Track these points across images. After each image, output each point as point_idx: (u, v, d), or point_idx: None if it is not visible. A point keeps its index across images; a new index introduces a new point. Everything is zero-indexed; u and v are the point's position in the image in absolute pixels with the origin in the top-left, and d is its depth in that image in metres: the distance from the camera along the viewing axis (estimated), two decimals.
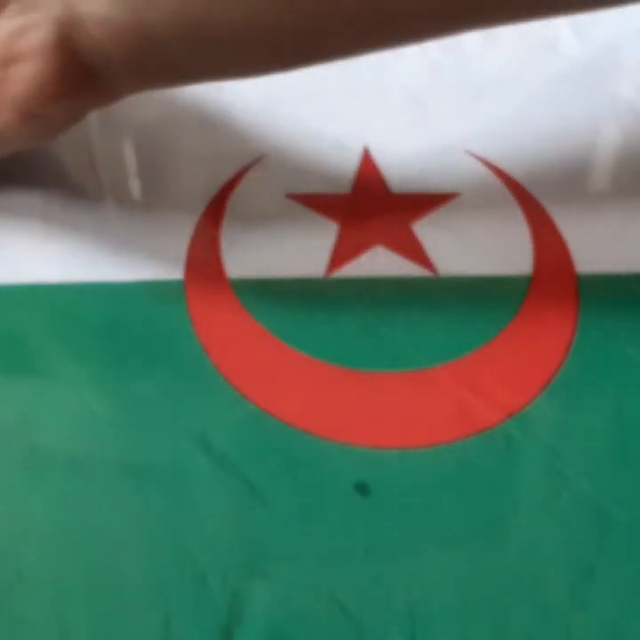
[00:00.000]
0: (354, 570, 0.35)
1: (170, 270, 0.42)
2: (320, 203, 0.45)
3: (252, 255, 0.43)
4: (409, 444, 0.38)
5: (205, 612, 0.34)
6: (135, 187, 0.45)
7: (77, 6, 0.34)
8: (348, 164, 0.47)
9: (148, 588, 0.34)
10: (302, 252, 0.43)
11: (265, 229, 0.44)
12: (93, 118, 0.46)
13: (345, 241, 0.44)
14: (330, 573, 0.35)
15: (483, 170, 0.47)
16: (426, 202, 0.45)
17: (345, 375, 0.40)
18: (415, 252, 0.43)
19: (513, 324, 0.41)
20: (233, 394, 0.39)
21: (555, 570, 0.36)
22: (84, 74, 0.35)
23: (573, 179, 0.47)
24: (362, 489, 0.37)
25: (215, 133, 0.47)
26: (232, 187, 0.45)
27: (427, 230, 0.44)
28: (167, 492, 0.36)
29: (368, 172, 0.46)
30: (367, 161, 0.47)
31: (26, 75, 0.35)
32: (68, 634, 0.33)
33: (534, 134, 0.49)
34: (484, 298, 0.42)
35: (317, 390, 0.39)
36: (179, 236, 0.43)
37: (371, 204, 0.45)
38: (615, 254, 0.43)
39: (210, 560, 0.35)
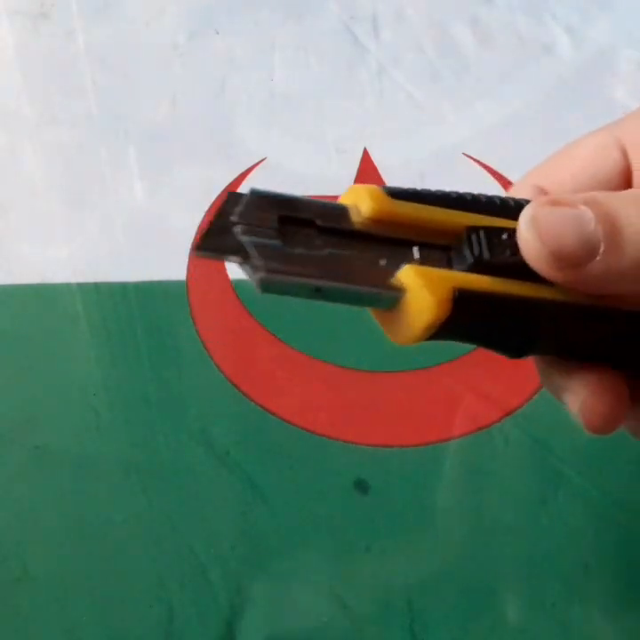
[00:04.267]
0: (353, 565, 0.36)
1: (172, 271, 0.42)
2: None
3: None
4: (408, 442, 0.39)
5: (207, 606, 0.34)
6: (138, 189, 0.45)
7: None
8: (348, 166, 0.47)
9: (152, 583, 0.35)
10: None
11: None
12: (96, 122, 0.47)
13: None
14: (330, 569, 0.36)
15: (480, 172, 0.47)
16: None
17: (345, 375, 0.40)
18: None
19: None
20: (235, 392, 0.39)
21: (551, 565, 0.36)
22: None
23: None
24: (361, 486, 0.38)
25: (217, 137, 0.47)
26: (233, 189, 0.45)
27: None
28: (170, 489, 0.37)
29: (367, 174, 0.47)
30: (367, 163, 0.47)
31: None
32: (73, 628, 0.33)
33: (531, 137, 0.49)
34: None
35: (317, 389, 0.40)
36: (181, 237, 0.44)
37: None
38: None
39: (212, 555, 0.35)
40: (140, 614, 0.34)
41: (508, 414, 0.39)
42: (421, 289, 0.23)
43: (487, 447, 0.39)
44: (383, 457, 0.38)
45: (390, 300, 0.24)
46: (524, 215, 0.24)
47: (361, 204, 0.24)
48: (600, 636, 0.35)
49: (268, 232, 0.23)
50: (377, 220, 0.24)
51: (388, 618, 0.35)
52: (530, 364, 0.41)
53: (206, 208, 0.45)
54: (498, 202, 0.27)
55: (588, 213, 0.24)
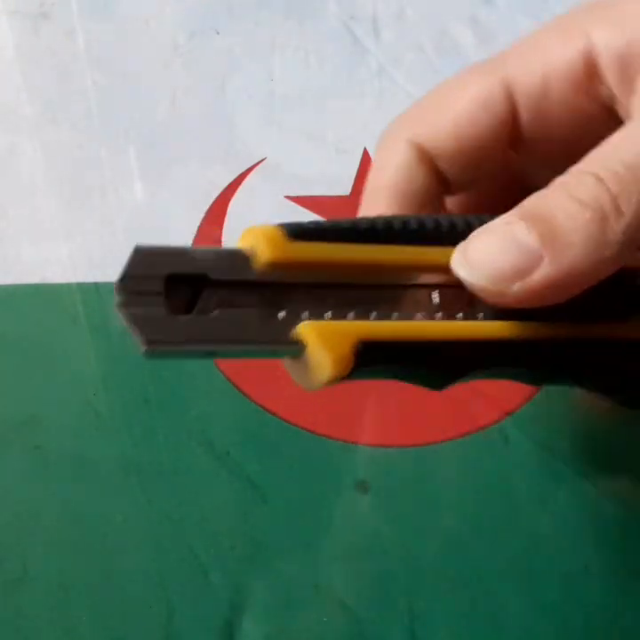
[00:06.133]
0: (354, 566, 0.36)
1: None
2: (320, 205, 0.45)
3: None
4: (408, 442, 0.39)
5: (207, 606, 0.34)
6: (138, 189, 0.45)
7: None
8: (348, 166, 0.47)
9: (152, 583, 0.35)
10: None
11: None
12: (96, 122, 0.47)
13: None
14: (330, 569, 0.36)
15: None
16: None
17: None
18: None
19: None
20: (235, 392, 0.39)
21: (551, 565, 0.36)
22: None
23: None
24: (362, 486, 0.38)
25: (217, 137, 0.47)
26: (233, 189, 0.45)
27: None
28: (170, 489, 0.37)
29: (367, 174, 0.47)
30: (366, 163, 0.47)
31: None
32: (73, 628, 0.33)
33: None
34: None
35: None
36: (181, 237, 0.44)
37: None
38: None
39: (212, 555, 0.35)
40: (140, 614, 0.34)
41: (508, 414, 0.39)
42: (319, 347, 0.22)
43: (486, 447, 0.39)
44: (383, 457, 0.38)
45: (291, 353, 0.23)
46: (456, 257, 0.24)
47: (258, 249, 0.22)
48: (600, 637, 0.35)
49: (152, 299, 0.21)
50: (278, 266, 0.22)
51: (388, 618, 0.35)
52: None
53: (206, 208, 0.45)
54: (415, 226, 0.24)
55: (519, 226, 0.23)
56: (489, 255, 0.23)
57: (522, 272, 0.23)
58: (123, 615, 0.34)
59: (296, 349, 0.23)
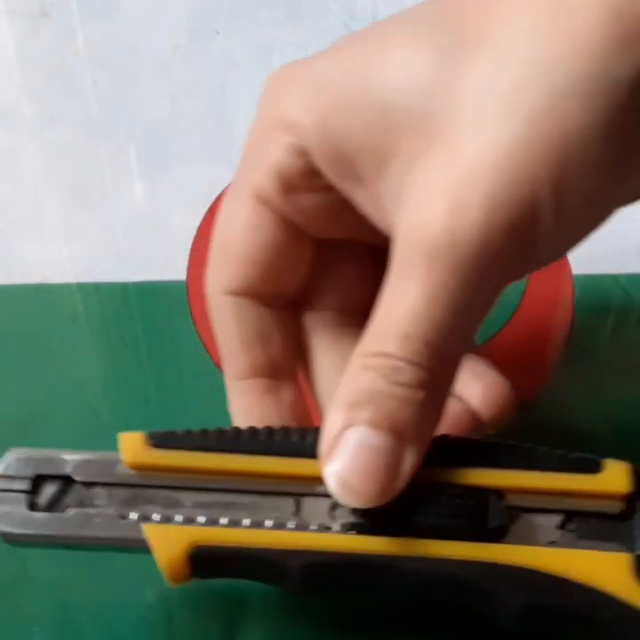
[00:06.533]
0: None
1: (172, 271, 0.43)
2: None
3: None
4: None
5: (207, 606, 0.34)
6: (138, 189, 0.45)
7: None
8: None
9: (152, 583, 0.34)
10: None
11: None
12: (96, 122, 0.47)
13: None
14: None
15: None
16: None
17: None
18: None
19: (510, 323, 0.41)
20: None
21: None
22: None
23: None
24: None
25: (217, 137, 0.47)
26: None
27: None
28: None
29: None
30: None
31: None
32: (73, 628, 0.33)
33: None
34: None
35: None
36: (181, 237, 0.44)
37: None
38: (609, 256, 0.44)
39: None
40: (140, 614, 0.34)
41: None
42: (157, 549, 0.24)
43: None
44: None
45: (141, 552, 0.25)
46: (335, 490, 0.23)
47: (121, 454, 0.25)
48: None
49: (18, 496, 0.25)
50: (138, 470, 0.25)
51: (389, 619, 0.35)
52: (531, 362, 0.41)
53: (206, 208, 0.45)
54: (280, 437, 0.25)
55: (369, 435, 0.23)
56: (365, 477, 0.23)
57: (397, 470, 0.23)
58: (123, 615, 0.34)
59: (145, 549, 0.24)
